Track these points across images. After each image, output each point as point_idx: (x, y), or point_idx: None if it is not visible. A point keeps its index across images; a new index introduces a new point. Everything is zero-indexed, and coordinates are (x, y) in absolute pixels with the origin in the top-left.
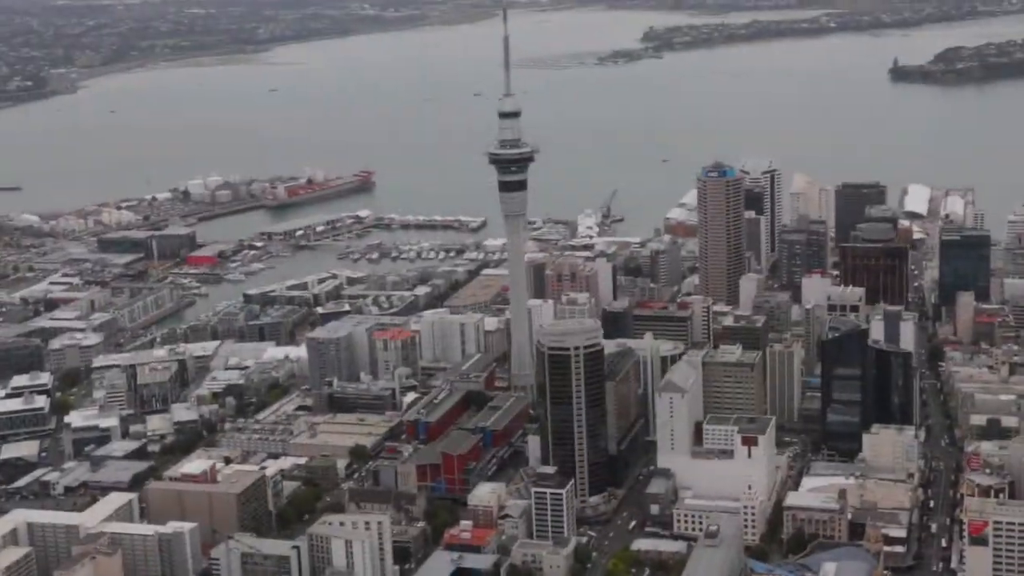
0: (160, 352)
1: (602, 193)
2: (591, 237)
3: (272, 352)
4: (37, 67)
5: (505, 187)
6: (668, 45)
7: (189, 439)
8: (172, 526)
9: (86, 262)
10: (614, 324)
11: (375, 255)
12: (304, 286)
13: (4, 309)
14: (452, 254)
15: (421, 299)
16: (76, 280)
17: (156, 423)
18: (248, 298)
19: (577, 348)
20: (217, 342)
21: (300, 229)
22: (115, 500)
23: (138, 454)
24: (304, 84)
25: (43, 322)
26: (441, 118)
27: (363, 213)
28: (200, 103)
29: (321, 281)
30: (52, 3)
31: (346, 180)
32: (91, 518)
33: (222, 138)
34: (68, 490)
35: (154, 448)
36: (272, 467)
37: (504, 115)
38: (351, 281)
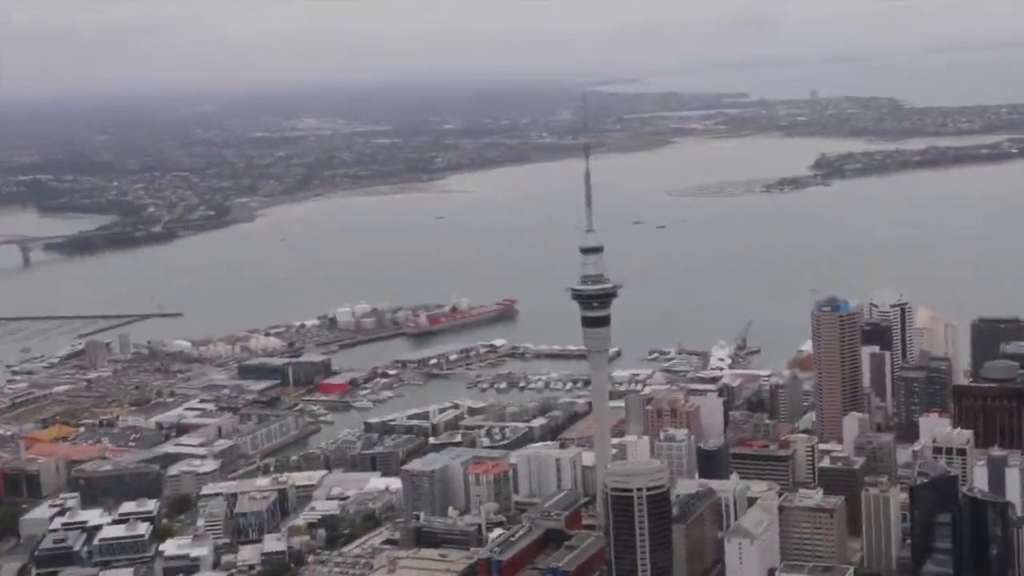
0: (263, 481)
1: (740, 323)
2: (721, 369)
3: (374, 483)
4: (223, 196)
5: (587, 323)
6: (838, 172)
7: (275, 571)
8: None
9: (224, 388)
10: (708, 463)
11: (503, 385)
12: (425, 415)
13: (138, 435)
14: (579, 384)
15: (536, 431)
16: (211, 406)
17: (246, 554)
18: (368, 426)
19: (640, 490)
20: (324, 472)
21: (434, 358)
22: None
23: None
24: (470, 212)
25: (168, 448)
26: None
27: (498, 342)
28: (366, 231)
29: (442, 411)
30: (250, 135)
31: (489, 309)
32: None
33: (379, 265)
34: None
35: None
36: None
37: (586, 251)
38: (472, 411)
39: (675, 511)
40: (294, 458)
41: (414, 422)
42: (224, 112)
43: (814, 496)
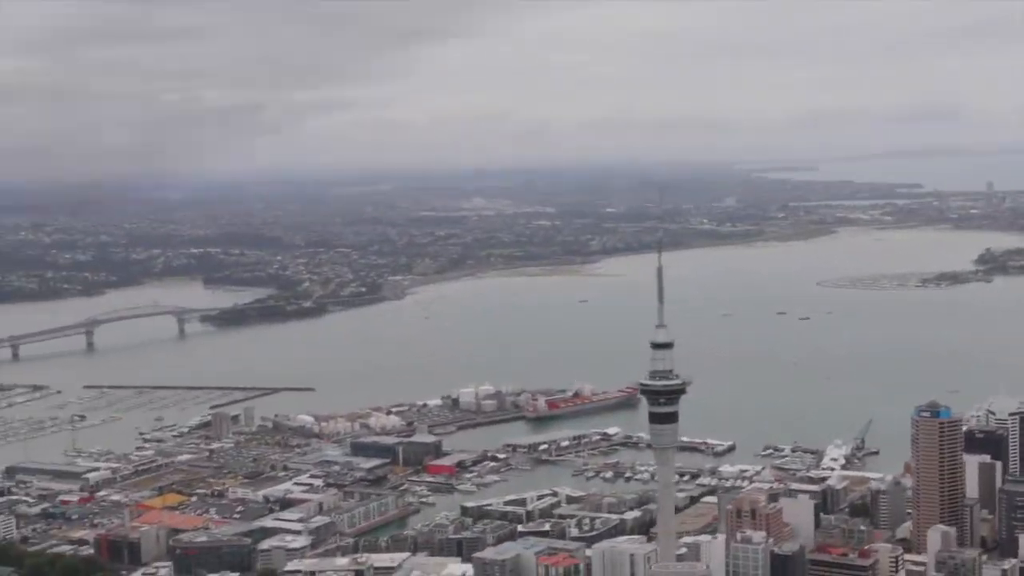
0: (343, 561)
1: (861, 422)
2: (833, 470)
3: (451, 569)
4: (378, 274)
5: (654, 419)
6: (1002, 268)
7: None
8: None
9: (335, 464)
10: (783, 568)
11: (609, 474)
12: (523, 502)
13: (243, 507)
14: (686, 478)
15: (628, 523)
16: (319, 482)
17: None
18: (464, 510)
19: None
20: (407, 555)
21: (544, 443)
22: None
23: None
24: (614, 296)
25: (267, 521)
26: (733, 334)
27: (611, 430)
28: (508, 311)
29: (540, 497)
30: (416, 214)
31: (611, 396)
32: None
33: (513, 346)
34: None
35: None
36: None
37: (656, 346)
38: (570, 500)
39: None
40: (383, 539)
41: (509, 508)
42: (398, 192)
43: None
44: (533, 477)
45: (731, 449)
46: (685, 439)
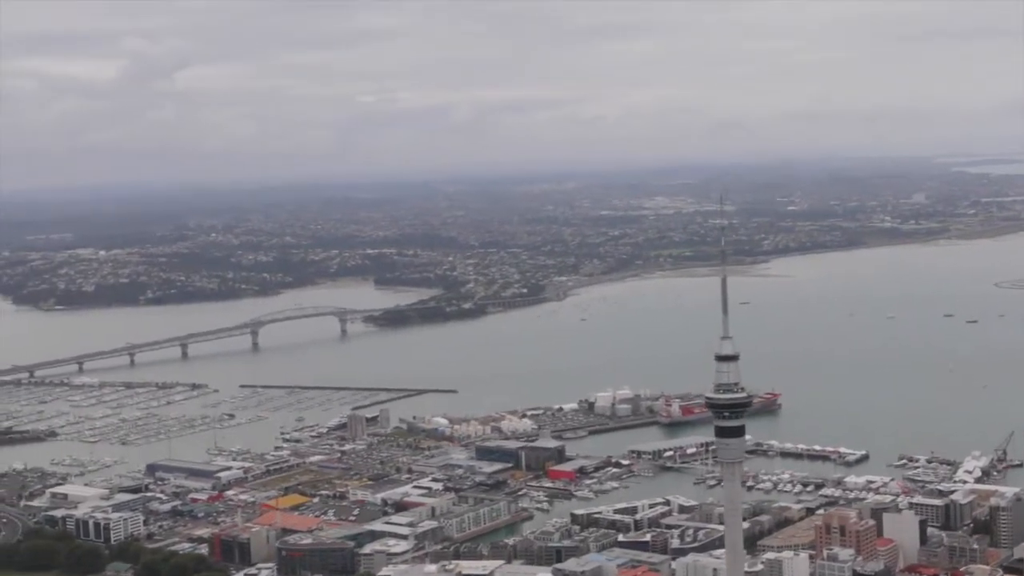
0: (431, 568)
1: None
2: (966, 482)
3: None
4: (545, 274)
5: (720, 433)
6: None
7: None
8: None
9: (459, 468)
10: None
11: None
12: (633, 510)
13: (359, 510)
14: (810, 488)
15: None
16: (438, 486)
17: None
18: (574, 518)
19: None
20: (500, 562)
21: (669, 450)
22: None
23: None
24: (778, 297)
25: (377, 525)
26: (893, 337)
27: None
28: (665, 313)
29: (652, 506)
30: (595, 214)
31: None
32: None
33: (662, 349)
34: None
35: None
36: None
37: (721, 358)
38: (682, 509)
39: None
40: (483, 546)
41: (618, 517)
42: (582, 190)
43: None
44: (654, 484)
45: (864, 459)
46: (817, 447)
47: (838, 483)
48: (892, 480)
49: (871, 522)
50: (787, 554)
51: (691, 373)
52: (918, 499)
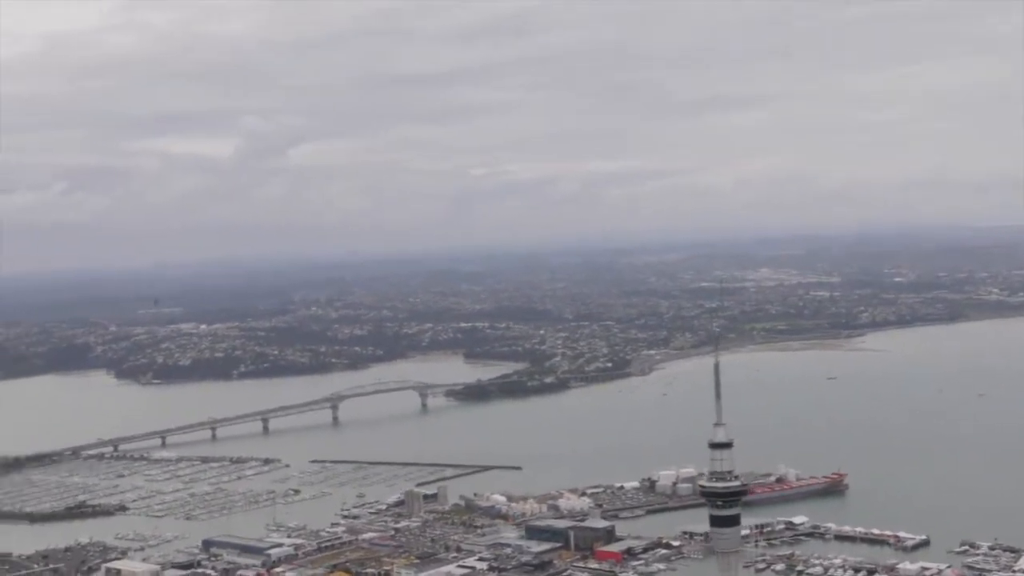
0: None
1: None
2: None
3: None
4: (634, 348)
5: (715, 522)
6: None
7: None
8: None
9: (507, 547)
10: None
11: (781, 567)
12: None
13: None
14: (862, 573)
15: None
16: (483, 565)
17: None
18: None
19: None
20: None
21: None
22: None
23: None
24: (868, 372)
25: None
26: (980, 415)
27: (798, 519)
28: (751, 389)
29: None
30: (694, 285)
31: (814, 482)
32: None
33: (738, 426)
34: None
35: None
36: None
37: (714, 446)
38: None
39: None
40: None
41: None
42: (685, 261)
43: None
44: (704, 567)
45: (924, 544)
46: (875, 531)
47: (890, 570)
48: (948, 567)
49: None
50: None
51: (760, 451)
52: None
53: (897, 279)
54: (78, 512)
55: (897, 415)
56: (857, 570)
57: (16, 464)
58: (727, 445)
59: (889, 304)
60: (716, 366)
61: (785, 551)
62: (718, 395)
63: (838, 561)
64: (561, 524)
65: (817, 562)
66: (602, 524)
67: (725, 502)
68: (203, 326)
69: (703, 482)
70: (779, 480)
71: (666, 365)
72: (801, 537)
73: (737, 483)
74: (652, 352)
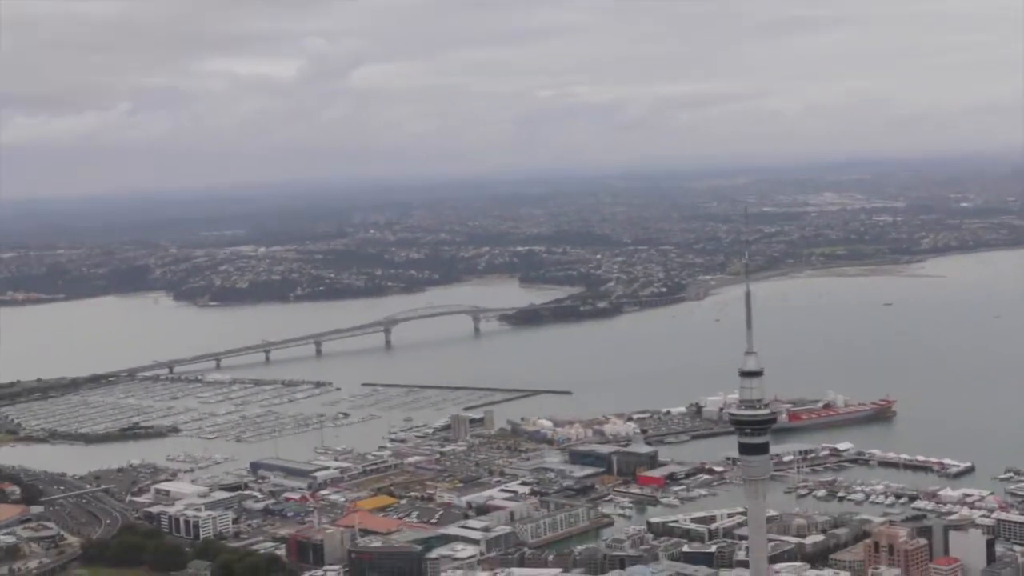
0: (483, 575)
1: None
2: None
3: None
4: (689, 273)
5: (744, 450)
6: None
7: None
8: None
9: (550, 472)
10: None
11: (822, 493)
12: (712, 519)
13: (441, 513)
14: (904, 500)
15: (807, 547)
16: (525, 489)
17: None
18: (651, 526)
19: None
20: (557, 571)
21: None
22: None
23: None
24: (925, 299)
25: (452, 529)
26: None
27: (843, 446)
28: (802, 314)
29: (730, 515)
30: (757, 210)
31: (862, 408)
32: None
33: (787, 351)
34: None
35: None
36: None
37: (745, 374)
38: None
39: None
40: (550, 555)
41: (693, 526)
42: (749, 186)
43: None
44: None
45: (969, 470)
46: (920, 458)
47: (932, 496)
48: (991, 494)
49: (922, 541)
50: (828, 572)
51: (810, 376)
52: (1003, 516)
53: (963, 204)
54: (131, 434)
55: (951, 341)
56: (899, 496)
57: (73, 385)
58: (758, 374)
59: (952, 230)
60: (747, 295)
61: (828, 477)
62: (749, 324)
63: (880, 487)
64: (604, 449)
65: (859, 488)
66: (645, 449)
67: (754, 430)
68: (261, 249)
69: (732, 410)
70: (827, 406)
71: (721, 290)
72: (845, 463)
73: (766, 411)
74: (708, 277)
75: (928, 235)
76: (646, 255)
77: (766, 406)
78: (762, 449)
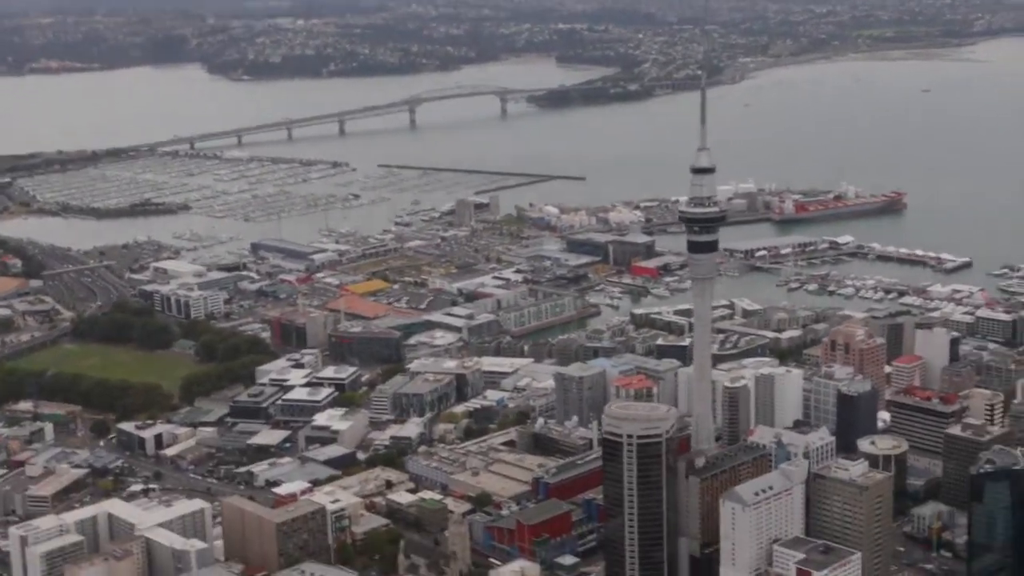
0: (450, 363)
1: None
2: None
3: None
4: (731, 55)
5: (693, 248)
6: None
7: (388, 455)
8: (189, 543)
9: (547, 260)
10: (849, 408)
11: (813, 286)
12: (691, 312)
13: (431, 298)
14: (892, 295)
15: (783, 342)
16: (517, 277)
17: (384, 435)
18: (633, 317)
19: (631, 436)
20: (528, 360)
21: (762, 249)
22: (190, 505)
23: (345, 460)
24: (967, 84)
25: (434, 316)
26: None
27: (843, 239)
28: (835, 100)
29: (714, 308)
30: None
31: (871, 200)
32: (156, 517)
33: (810, 140)
34: (269, 484)
35: (364, 456)
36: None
37: (696, 171)
38: (746, 313)
39: (701, 463)
40: (530, 344)
41: (675, 319)
42: None
43: (851, 468)
44: (737, 284)
45: (966, 265)
46: (919, 252)
47: (921, 292)
48: (980, 290)
49: (879, 340)
50: (780, 370)
51: (826, 165)
52: (986, 314)
53: None
54: (142, 210)
55: (980, 131)
56: (888, 292)
57: (93, 158)
58: (709, 170)
59: (1011, 9)
60: (703, 91)
61: (823, 271)
62: (703, 119)
63: (871, 283)
64: (601, 238)
65: (850, 283)
66: (642, 239)
67: (702, 228)
68: (300, 21)
69: (682, 207)
70: (837, 197)
71: (759, 74)
72: (844, 257)
73: (715, 209)
74: (747, 60)
75: (984, 16)
76: (689, 35)
77: (715, 203)
78: (710, 247)
